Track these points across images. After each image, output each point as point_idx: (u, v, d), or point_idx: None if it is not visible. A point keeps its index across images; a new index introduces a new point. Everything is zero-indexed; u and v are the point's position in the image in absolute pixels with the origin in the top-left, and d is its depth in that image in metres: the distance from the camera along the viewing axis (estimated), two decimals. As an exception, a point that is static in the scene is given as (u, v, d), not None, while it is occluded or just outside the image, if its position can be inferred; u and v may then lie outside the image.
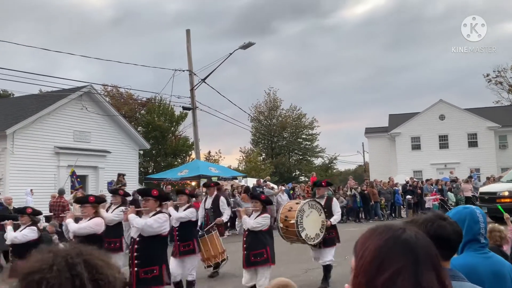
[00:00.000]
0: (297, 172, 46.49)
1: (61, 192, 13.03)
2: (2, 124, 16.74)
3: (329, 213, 7.81)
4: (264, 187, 19.52)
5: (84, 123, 18.95)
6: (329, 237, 7.80)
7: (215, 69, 19.34)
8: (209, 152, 41.97)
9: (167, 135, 35.75)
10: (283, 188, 19.73)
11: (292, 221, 7.38)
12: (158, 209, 5.65)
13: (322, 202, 7.90)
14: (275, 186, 21.70)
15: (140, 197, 15.06)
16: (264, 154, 46.15)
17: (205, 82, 20.23)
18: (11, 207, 11.51)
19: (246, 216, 6.93)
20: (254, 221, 6.78)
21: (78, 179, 16.35)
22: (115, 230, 7.53)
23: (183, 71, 20.11)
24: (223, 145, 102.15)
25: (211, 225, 9.41)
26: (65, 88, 19.05)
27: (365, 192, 20.45)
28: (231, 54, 19.01)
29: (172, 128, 36.56)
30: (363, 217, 20.76)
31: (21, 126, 16.48)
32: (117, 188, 9.02)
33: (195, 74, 20.37)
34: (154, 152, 34.93)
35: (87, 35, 71.85)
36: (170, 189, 16.77)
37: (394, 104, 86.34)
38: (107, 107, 20.29)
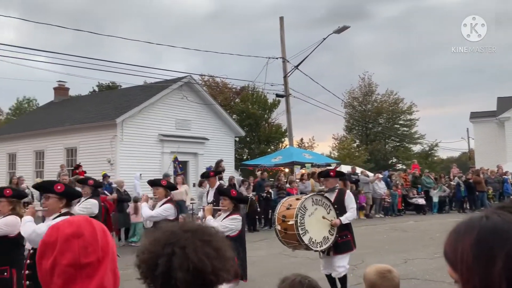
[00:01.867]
0: (394, 160, 44.76)
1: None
2: (112, 114, 18.22)
3: (341, 210, 6.27)
4: (359, 174, 19.12)
5: (185, 112, 19.94)
6: (342, 241, 6.23)
7: (308, 55, 19.24)
8: (302, 139, 42.03)
9: (261, 122, 36.40)
10: (380, 175, 19.15)
11: (291, 222, 5.96)
12: (64, 210, 4.18)
13: (332, 197, 6.37)
14: (370, 174, 21.13)
15: (236, 184, 15.57)
16: (358, 141, 45.08)
17: (298, 69, 20.22)
18: (123, 189, 12.56)
19: (210, 217, 5.49)
20: (220, 224, 5.31)
21: (180, 165, 17.30)
22: None
23: (277, 58, 20.28)
24: (315, 132, 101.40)
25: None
26: (167, 79, 20.19)
27: (470, 180, 19.15)
28: (324, 39, 18.75)
29: (265, 116, 37.13)
30: (468, 207, 19.50)
31: (128, 115, 17.79)
32: (86, 178, 7.73)
33: (288, 61, 20.42)
34: (248, 139, 35.80)
35: (188, 29, 75.22)
36: (265, 176, 17.09)
37: (503, 86, 79.00)
38: (205, 96, 21.14)
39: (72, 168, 15.84)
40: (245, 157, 35.15)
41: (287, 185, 16.22)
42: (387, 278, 2.67)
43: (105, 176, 13.97)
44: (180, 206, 13.71)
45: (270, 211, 15.13)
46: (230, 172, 19.21)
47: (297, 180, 17.05)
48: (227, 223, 5.39)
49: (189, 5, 74.95)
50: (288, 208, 6.15)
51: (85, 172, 14.05)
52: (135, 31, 72.42)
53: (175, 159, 17.19)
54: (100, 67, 26.18)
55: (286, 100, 20.77)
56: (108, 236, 1.39)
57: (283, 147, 34.81)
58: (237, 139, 25.27)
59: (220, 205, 5.71)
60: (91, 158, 17.67)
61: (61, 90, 26.00)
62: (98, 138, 18.08)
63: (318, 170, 19.30)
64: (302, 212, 5.96)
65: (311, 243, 5.98)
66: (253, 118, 34.99)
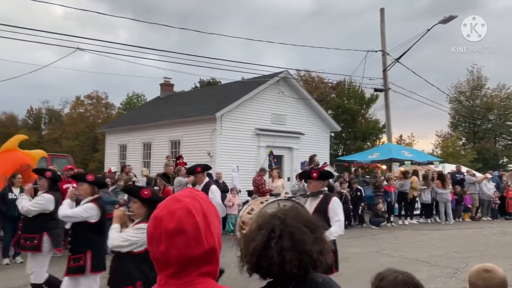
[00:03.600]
0: (505, 159, 41.12)
1: (261, 170, 14.25)
2: (212, 108, 19.00)
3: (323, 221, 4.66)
4: (465, 174, 17.90)
5: (281, 107, 20.15)
6: None
7: (410, 47, 18.44)
8: (401, 136, 40.37)
9: (357, 118, 35.59)
10: (489, 176, 17.72)
11: (245, 232, 4.61)
12: None
13: (315, 203, 4.93)
14: (478, 174, 19.66)
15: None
16: (464, 139, 42.07)
17: (399, 62, 19.44)
18: (221, 181, 13.10)
19: (117, 225, 4.21)
20: (120, 235, 4.05)
21: (275, 159, 17.57)
22: (33, 224, 5.84)
23: (376, 51, 19.68)
24: (416, 129, 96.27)
25: None
26: (265, 74, 20.55)
27: None
28: (429, 30, 17.80)
29: (362, 111, 36.21)
30: None
31: (227, 110, 18.42)
32: (44, 169, 6.54)
33: (388, 54, 19.72)
34: (344, 135, 35.21)
35: (287, 26, 75.75)
36: (361, 173, 16.74)
37: None
38: (301, 91, 21.18)
39: (175, 159, 16.82)
40: (340, 153, 34.65)
41: (385, 183, 15.74)
42: (482, 278, 2.49)
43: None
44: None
45: (360, 208, 15.59)
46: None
47: (395, 178, 16.46)
48: (130, 235, 3.96)
49: (289, 3, 75.35)
50: (249, 213, 4.90)
51: (185, 163, 14.86)
52: (237, 29, 74.67)
53: (270, 153, 17.48)
54: (202, 63, 27.57)
55: (385, 95, 20.08)
56: (212, 225, 1.35)
57: (380, 143, 33.72)
58: (332, 134, 24.94)
59: (130, 209, 4.31)
60: (193, 150, 18.61)
61: (166, 86, 27.68)
62: (199, 131, 18.98)
63: (419, 168, 18.44)
64: None
65: None
66: (349, 113, 34.33)
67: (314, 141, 21.04)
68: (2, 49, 44.99)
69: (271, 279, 1.63)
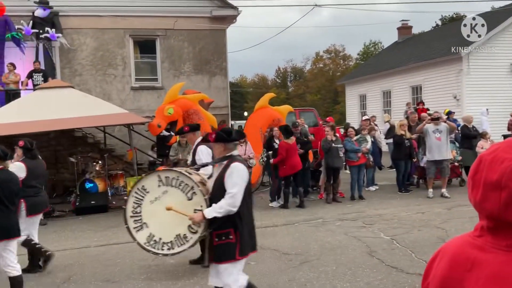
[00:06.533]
0: None
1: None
2: (457, 47, 17.24)
3: (219, 195, 3.79)
4: None
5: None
6: (220, 244, 3.82)
7: None
8: None
9: None
10: None
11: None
12: None
13: (217, 171, 4.01)
14: None
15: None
16: None
17: None
18: (471, 125, 11.97)
19: None
20: None
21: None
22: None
23: None
24: None
25: None
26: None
27: None
28: None
29: None
30: None
31: (475, 46, 16.56)
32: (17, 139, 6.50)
33: None
34: None
35: None
36: None
37: None
38: None
39: (416, 106, 16.15)
40: None
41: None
42: None
43: (449, 113, 13.67)
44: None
45: None
46: None
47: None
48: None
49: None
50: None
51: (427, 109, 14.12)
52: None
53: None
54: (442, -2, 25.18)
55: None
56: None
57: None
58: None
59: None
60: (436, 95, 17.56)
61: (404, 29, 26.48)
62: (443, 73, 17.69)
63: None
64: (139, 197, 4.21)
65: (151, 242, 4.18)
66: None
67: None
68: (252, 16, 51.49)
69: None
